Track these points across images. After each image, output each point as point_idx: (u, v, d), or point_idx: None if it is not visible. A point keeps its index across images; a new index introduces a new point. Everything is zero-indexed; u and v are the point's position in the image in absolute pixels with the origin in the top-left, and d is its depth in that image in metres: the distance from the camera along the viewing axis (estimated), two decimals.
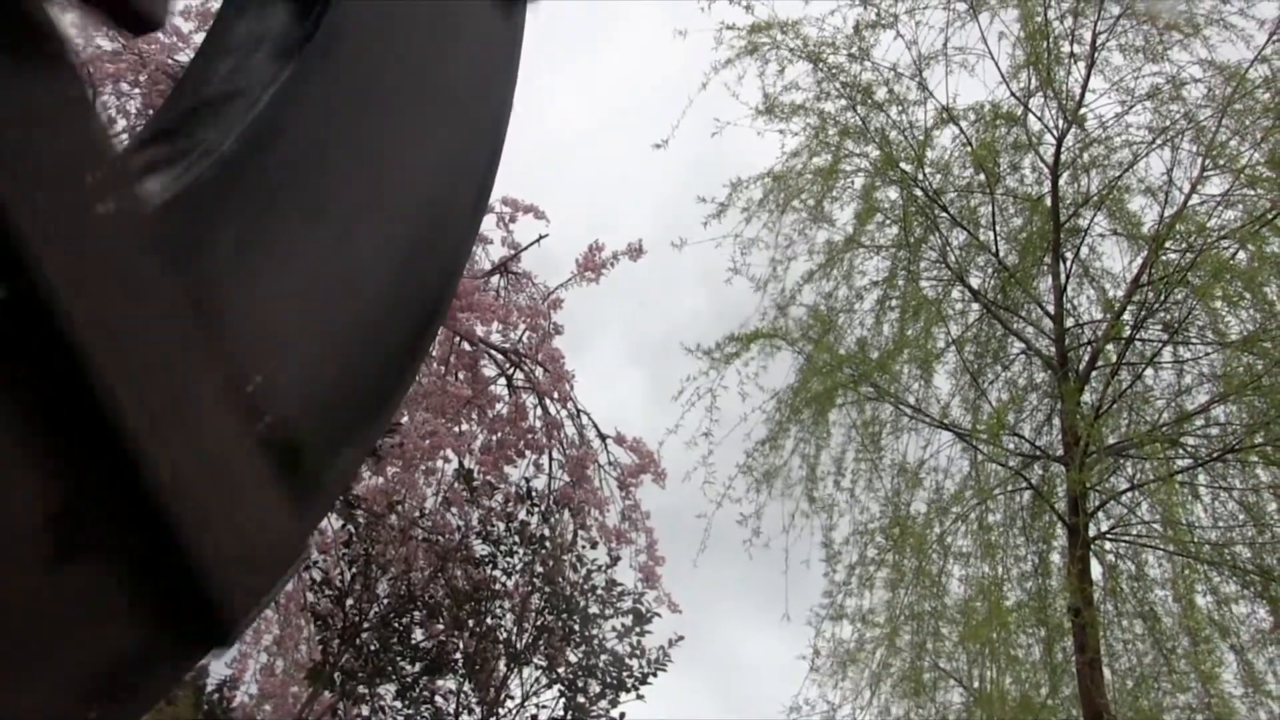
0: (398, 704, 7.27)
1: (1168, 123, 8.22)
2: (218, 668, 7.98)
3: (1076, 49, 8.18)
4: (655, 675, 7.18)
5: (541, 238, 7.08)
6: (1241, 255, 7.56)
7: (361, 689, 7.14)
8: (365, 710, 7.23)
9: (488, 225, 7.06)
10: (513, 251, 7.18)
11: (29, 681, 0.41)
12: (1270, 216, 7.32)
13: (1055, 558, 8.44)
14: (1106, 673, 7.51)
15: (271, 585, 0.48)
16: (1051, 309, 8.22)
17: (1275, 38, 7.47)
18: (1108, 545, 8.12)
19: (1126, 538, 8.06)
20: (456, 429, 6.94)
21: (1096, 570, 7.81)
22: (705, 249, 8.65)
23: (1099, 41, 8.15)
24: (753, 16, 8.10)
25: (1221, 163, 7.76)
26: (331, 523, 7.21)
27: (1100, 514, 7.79)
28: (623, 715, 7.13)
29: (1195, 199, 7.86)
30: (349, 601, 7.12)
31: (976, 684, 8.28)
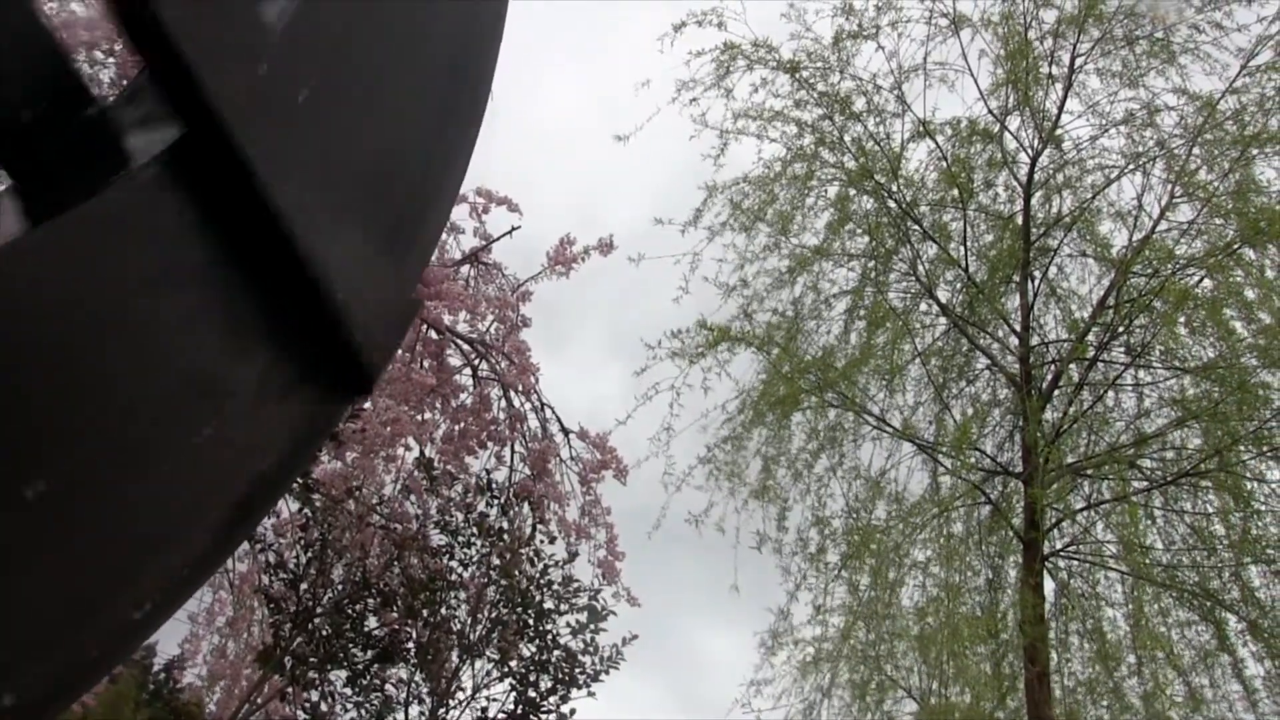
0: (348, 691, 7.24)
1: (1140, 148, 8.32)
2: (168, 647, 7.91)
3: (1055, 70, 8.27)
4: (607, 673, 7.19)
5: (514, 229, 7.07)
6: (1206, 284, 7.68)
7: (312, 674, 7.10)
8: (315, 695, 7.19)
9: (460, 215, 7.04)
10: (484, 242, 7.15)
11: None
12: (1234, 247, 7.43)
13: (1009, 572, 8.53)
14: (1055, 687, 7.60)
15: (397, 343, 0.62)
16: (1018, 327, 8.29)
17: (1245, 71, 7.59)
18: (1061, 563, 8.21)
19: (1079, 556, 8.15)
20: (419, 417, 6.91)
21: (1048, 586, 7.89)
22: (691, 245, 8.66)
23: (1077, 64, 8.24)
24: (726, 34, 8.12)
25: (1192, 191, 7.86)
26: (289, 505, 7.16)
27: (1055, 531, 7.88)
28: (573, 711, 7.13)
29: (1163, 225, 7.96)
30: (303, 586, 7.07)
31: (926, 693, 8.35)
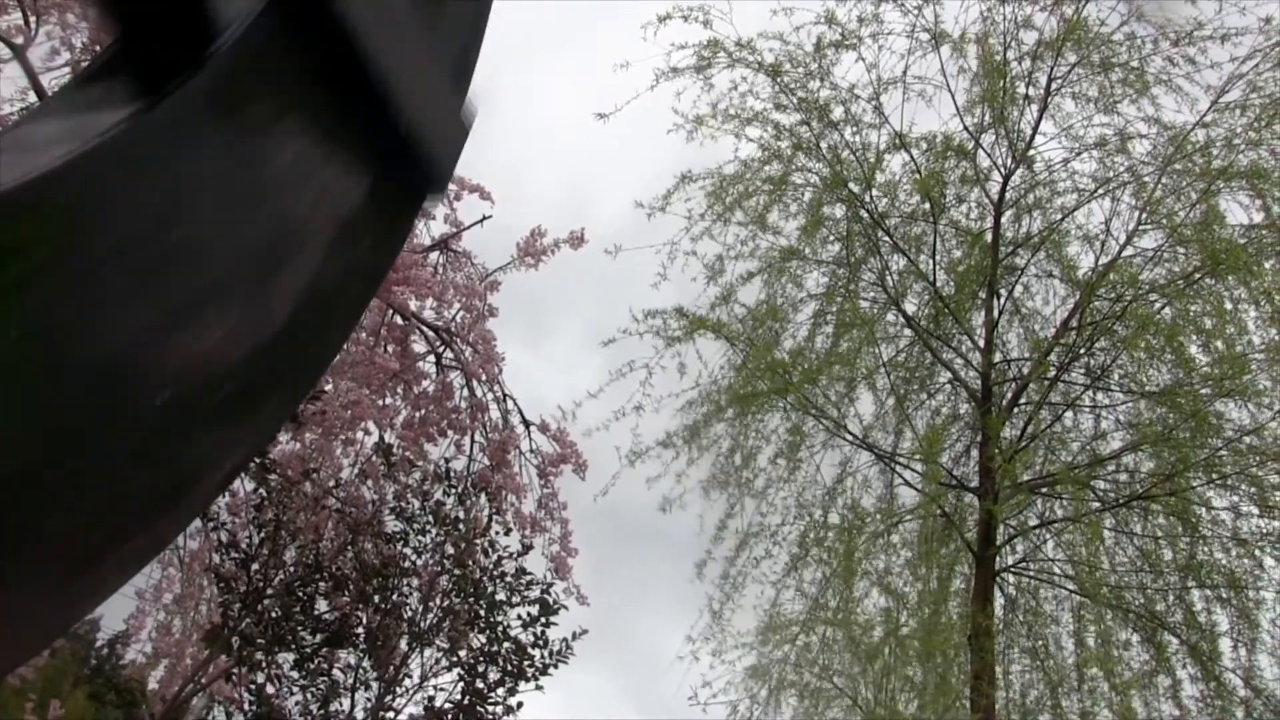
0: (295, 674, 7.19)
1: (1111, 174, 8.44)
2: (113, 622, 7.80)
3: (1031, 91, 8.35)
4: (556, 667, 7.18)
5: (486, 218, 7.04)
6: (1167, 311, 7.79)
7: (259, 656, 7.04)
8: (261, 677, 7.14)
9: None
10: (455, 229, 7.11)
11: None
12: (1196, 277, 7.55)
13: (957, 584, 8.62)
14: (999, 700, 7.70)
15: (459, 152, 0.72)
16: (982, 343, 8.37)
17: (1215, 107, 7.73)
18: (1010, 578, 8.31)
19: (1030, 573, 8.26)
20: (380, 401, 6.86)
21: (997, 601, 7.98)
22: (670, 235, 8.66)
23: (1053, 87, 8.33)
24: (711, 32, 8.13)
25: (1157, 219, 7.99)
26: (244, 484, 7.09)
27: (1006, 548, 7.97)
28: (520, 704, 7.12)
29: (1129, 251, 8.07)
30: (254, 566, 7.02)
31: (872, 703, 8.42)
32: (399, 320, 6.94)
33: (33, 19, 5.98)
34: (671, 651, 8.45)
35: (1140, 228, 8.04)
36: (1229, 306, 7.74)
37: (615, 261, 7.95)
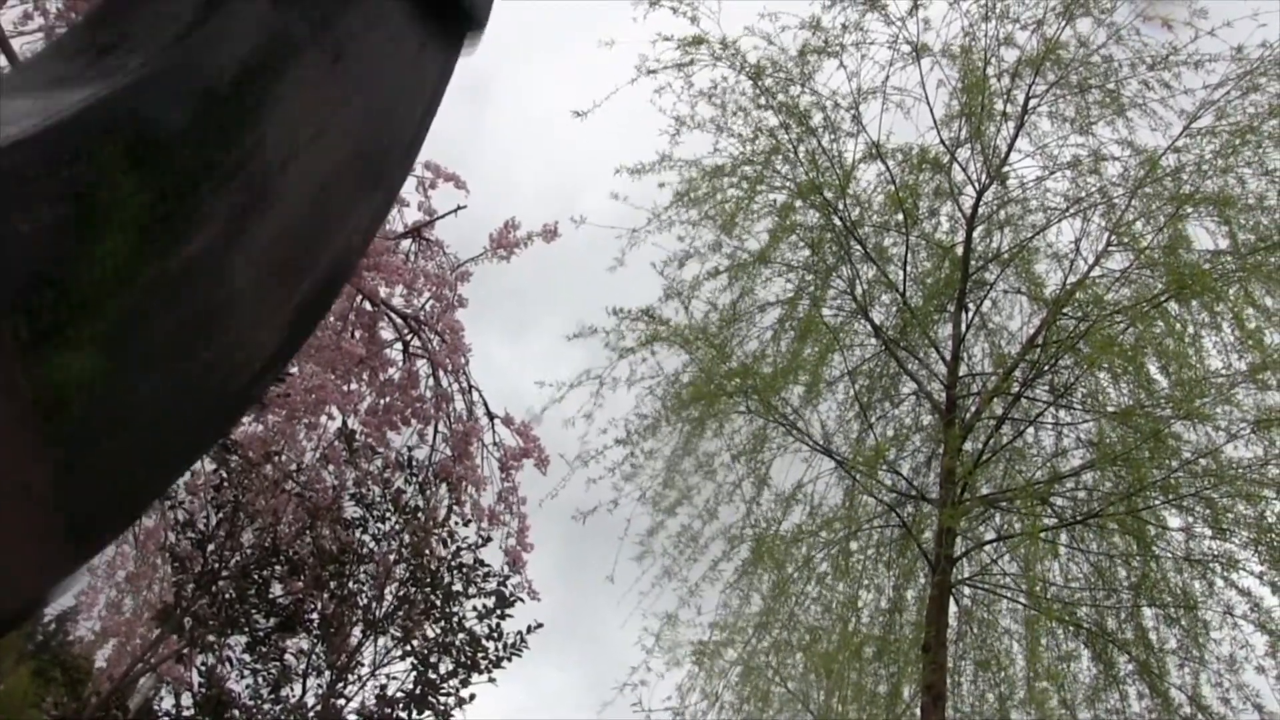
0: (246, 657, 7.14)
1: (1083, 194, 8.52)
2: (62, 598, 7.69)
3: (1009, 108, 8.41)
4: (510, 659, 7.17)
5: (460, 208, 7.00)
6: (1131, 332, 7.89)
7: (211, 637, 6.99)
8: (212, 659, 7.08)
9: (406, 188, 6.95)
10: (428, 217, 7.07)
11: None
12: (1160, 299, 7.65)
13: (910, 596, 8.69)
14: (949, 711, 7.76)
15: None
16: (947, 355, 8.43)
17: (1187, 132, 7.83)
18: (966, 590, 8.38)
19: (984, 585, 8.33)
20: (345, 387, 6.81)
21: (950, 612, 8.04)
22: (665, 237, 8.66)
23: (1031, 105, 8.39)
24: (696, 29, 8.12)
25: (1126, 240, 8.08)
26: (204, 465, 7.02)
27: (963, 560, 8.04)
28: (472, 696, 7.10)
29: (1097, 271, 8.16)
30: (210, 547, 6.97)
31: (823, 708, 8.47)
32: (367, 306, 6.89)
33: None
34: (635, 648, 8.45)
35: (1109, 248, 8.13)
36: (1191, 330, 7.85)
37: (602, 258, 7.94)
